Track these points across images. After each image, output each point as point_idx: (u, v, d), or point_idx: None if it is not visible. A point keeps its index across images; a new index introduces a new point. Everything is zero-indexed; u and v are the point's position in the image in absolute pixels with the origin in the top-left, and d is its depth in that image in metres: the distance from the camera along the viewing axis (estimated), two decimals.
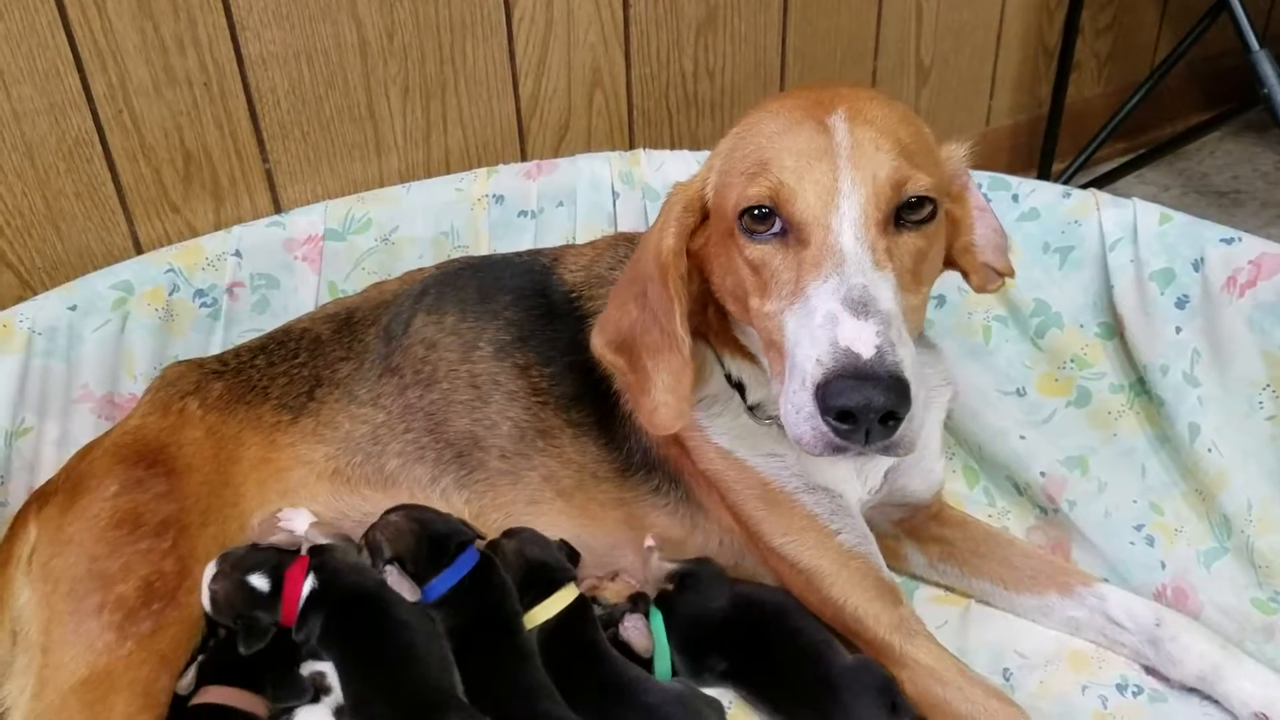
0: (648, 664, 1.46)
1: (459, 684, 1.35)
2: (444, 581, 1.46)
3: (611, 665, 1.42)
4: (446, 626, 1.44)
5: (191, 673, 1.40)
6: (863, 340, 1.12)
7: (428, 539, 1.48)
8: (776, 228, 1.25)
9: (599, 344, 1.45)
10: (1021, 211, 1.82)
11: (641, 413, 1.41)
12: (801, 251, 1.22)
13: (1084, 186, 1.86)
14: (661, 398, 1.37)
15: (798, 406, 1.16)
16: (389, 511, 1.53)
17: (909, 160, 1.23)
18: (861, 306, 1.14)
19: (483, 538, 1.54)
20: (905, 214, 1.24)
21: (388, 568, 1.44)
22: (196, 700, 1.36)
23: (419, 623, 1.40)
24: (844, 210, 1.20)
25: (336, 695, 1.39)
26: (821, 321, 1.15)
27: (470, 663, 1.40)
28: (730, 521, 1.54)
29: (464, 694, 1.36)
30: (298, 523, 1.55)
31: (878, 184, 1.21)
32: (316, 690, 1.39)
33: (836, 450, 1.16)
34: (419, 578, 1.46)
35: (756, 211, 1.25)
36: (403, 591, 1.43)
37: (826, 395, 1.11)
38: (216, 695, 1.35)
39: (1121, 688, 1.52)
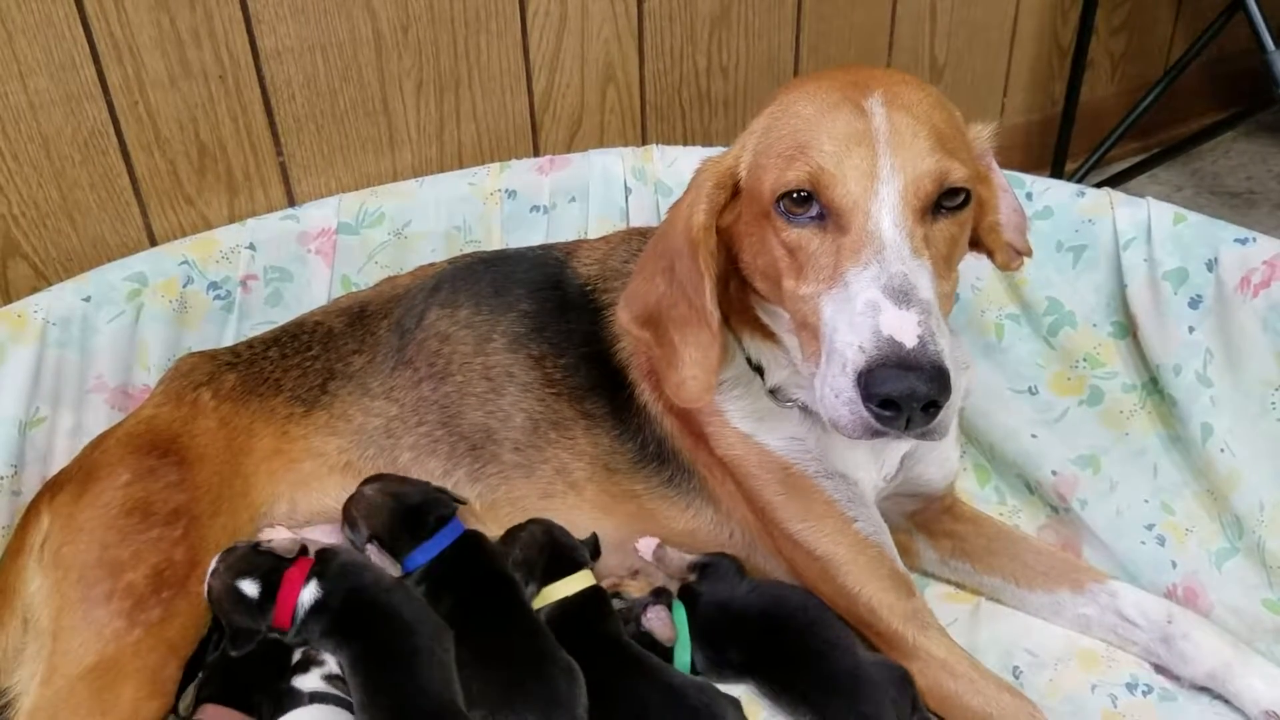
0: (668, 655, 1.47)
1: (459, 694, 1.35)
2: (424, 553, 1.47)
3: (631, 650, 1.43)
4: (432, 598, 1.44)
5: (190, 692, 1.41)
6: (905, 329, 1.13)
7: (402, 513, 1.50)
8: (814, 211, 1.25)
9: (625, 318, 1.46)
10: (1035, 210, 1.81)
11: (668, 386, 1.41)
12: (840, 237, 1.22)
13: (1097, 186, 1.86)
14: (689, 371, 1.38)
15: (837, 390, 1.17)
16: (364, 483, 1.54)
17: (945, 149, 1.24)
18: (902, 295, 1.15)
19: (462, 502, 1.55)
20: (942, 201, 1.25)
21: (368, 546, 1.46)
22: (198, 715, 1.36)
23: (427, 629, 1.40)
24: (883, 196, 1.20)
25: (328, 667, 1.39)
26: (863, 309, 1.16)
27: (469, 631, 1.41)
28: (743, 513, 1.55)
29: (460, 696, 1.36)
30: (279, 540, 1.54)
31: (918, 174, 1.21)
32: (307, 662, 1.40)
33: (875, 434, 1.18)
34: (396, 552, 1.48)
35: (796, 194, 1.25)
36: (385, 566, 1.44)
37: (870, 383, 1.13)
38: (215, 715, 1.35)
39: (1131, 686, 1.51)
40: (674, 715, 1.35)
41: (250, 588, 1.41)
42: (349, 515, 1.52)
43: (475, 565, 1.48)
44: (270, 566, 1.43)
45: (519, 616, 1.43)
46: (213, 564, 1.44)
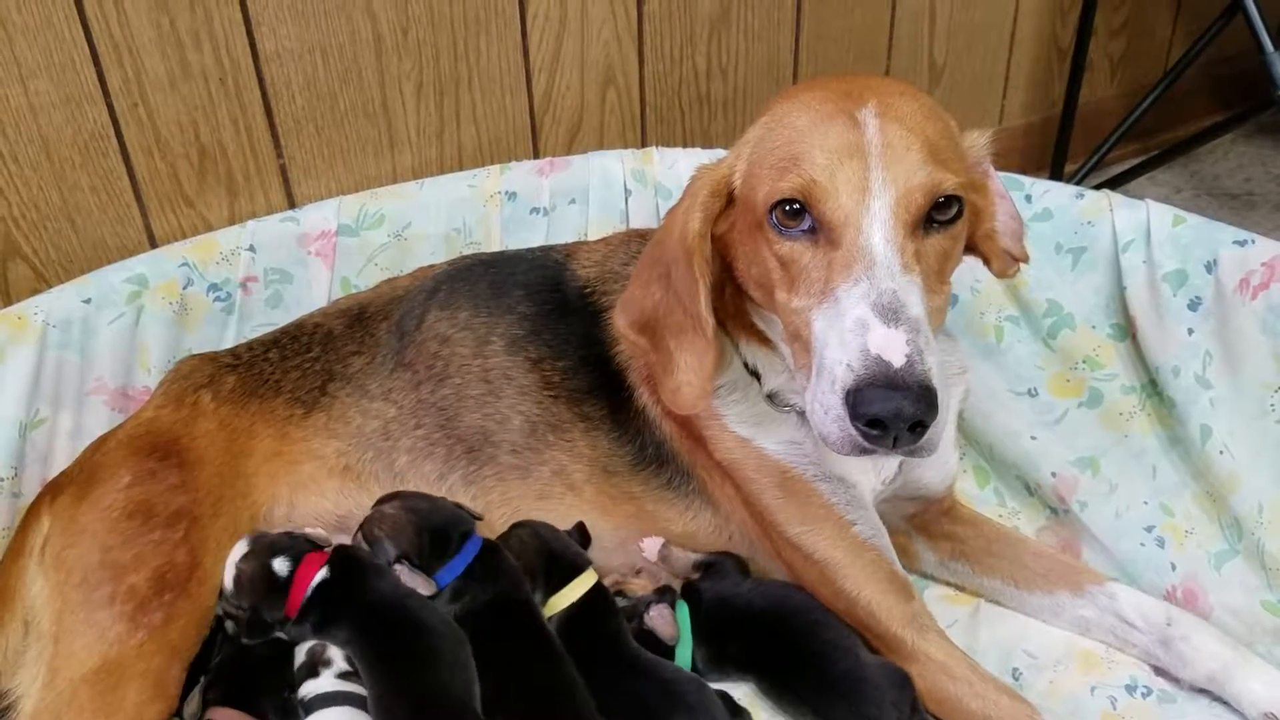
0: (670, 653, 1.47)
1: (478, 695, 1.35)
2: (450, 571, 1.46)
3: (629, 647, 1.43)
4: (458, 615, 1.44)
5: (195, 696, 1.41)
6: (893, 349, 1.13)
7: (429, 531, 1.48)
8: (807, 224, 1.25)
9: (622, 323, 1.46)
10: (1034, 212, 1.81)
11: (664, 392, 1.42)
12: (832, 251, 1.23)
13: (1096, 188, 1.86)
14: (684, 378, 1.39)
15: (826, 407, 1.18)
16: (381, 502, 1.53)
17: (938, 160, 1.24)
18: (891, 313, 1.15)
19: (479, 518, 1.54)
20: (934, 214, 1.25)
21: (397, 566, 1.44)
22: (206, 716, 1.37)
23: (444, 629, 1.40)
24: (875, 210, 1.20)
25: (337, 665, 1.39)
26: (852, 326, 1.16)
27: (488, 650, 1.40)
28: (743, 516, 1.55)
29: (479, 695, 1.36)
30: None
31: (909, 188, 1.21)
32: (314, 663, 1.40)
33: (863, 452, 1.18)
34: (425, 570, 1.46)
35: (788, 207, 1.25)
36: (417, 587, 1.43)
37: (858, 403, 1.13)
38: (223, 716, 1.35)
39: (1131, 688, 1.52)
40: (670, 711, 1.35)
41: (282, 566, 1.44)
42: (370, 534, 1.49)
43: (498, 581, 1.47)
44: (301, 550, 1.46)
45: (543, 640, 1.43)
46: (242, 548, 1.45)
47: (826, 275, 1.22)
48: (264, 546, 1.45)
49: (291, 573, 1.44)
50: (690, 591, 1.53)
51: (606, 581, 1.57)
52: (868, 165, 1.22)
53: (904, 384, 1.12)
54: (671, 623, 1.47)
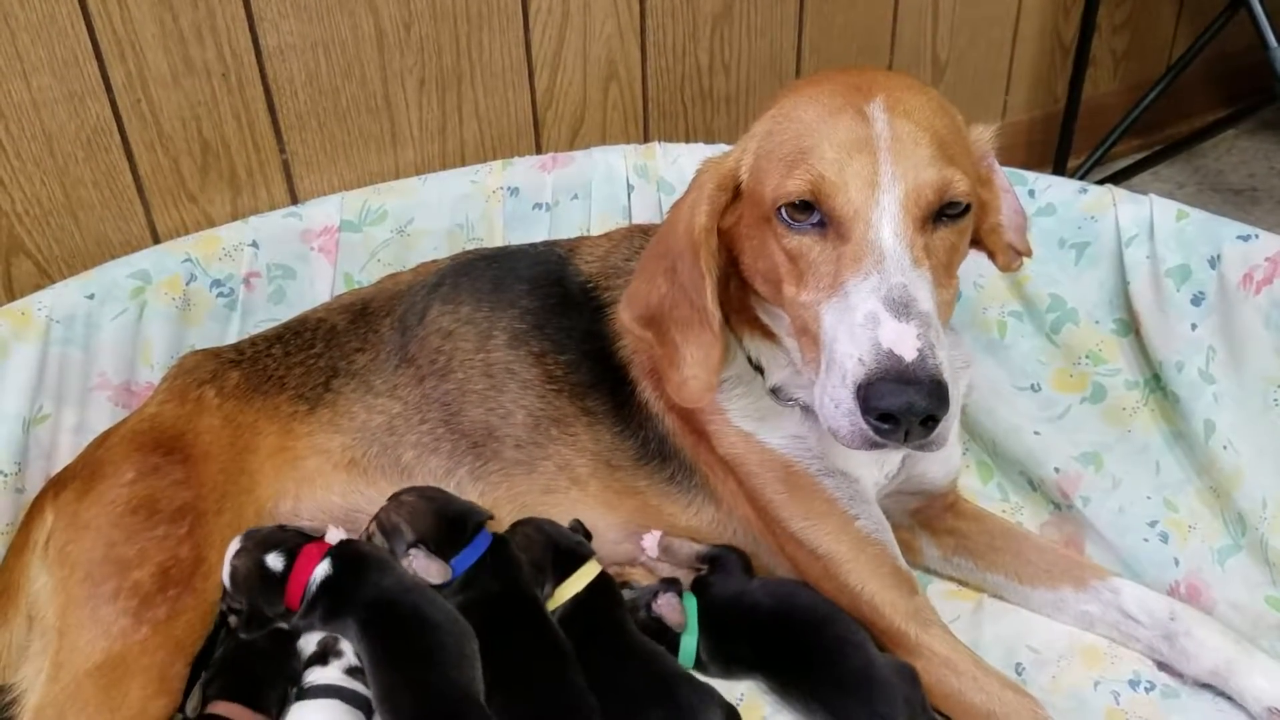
0: (674, 643, 1.47)
1: (482, 690, 1.35)
2: (464, 560, 1.46)
3: (632, 636, 1.44)
4: (464, 605, 1.44)
5: (197, 692, 1.41)
6: (905, 343, 1.14)
7: (447, 519, 1.49)
8: (815, 218, 1.25)
9: (627, 318, 1.46)
10: (1038, 207, 1.81)
11: (670, 385, 1.42)
12: (841, 245, 1.23)
13: (1100, 183, 1.86)
14: (690, 371, 1.38)
15: (836, 401, 1.18)
16: (399, 493, 1.53)
17: (947, 157, 1.24)
18: (902, 307, 1.15)
19: (491, 517, 1.55)
20: (942, 208, 1.25)
21: (413, 550, 1.44)
22: (208, 711, 1.36)
23: (449, 624, 1.40)
24: (884, 205, 1.20)
25: (347, 659, 1.40)
26: (862, 321, 1.16)
27: (492, 642, 1.40)
28: (746, 511, 1.55)
29: (483, 689, 1.36)
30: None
31: (919, 183, 1.21)
32: (325, 654, 1.40)
33: (874, 446, 1.18)
34: (441, 557, 1.46)
35: (797, 201, 1.25)
36: (431, 574, 1.43)
37: (870, 397, 1.13)
38: (225, 710, 1.35)
39: (1134, 683, 1.52)
40: (663, 708, 1.35)
41: (276, 561, 1.43)
42: (387, 521, 1.49)
43: (508, 574, 1.47)
44: (295, 544, 1.46)
45: (548, 635, 1.43)
46: (235, 544, 1.45)
47: (836, 269, 1.22)
48: (257, 542, 1.45)
49: (287, 567, 1.43)
50: (699, 586, 1.53)
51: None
52: (877, 160, 1.21)
53: (916, 378, 1.12)
54: (679, 609, 1.47)
